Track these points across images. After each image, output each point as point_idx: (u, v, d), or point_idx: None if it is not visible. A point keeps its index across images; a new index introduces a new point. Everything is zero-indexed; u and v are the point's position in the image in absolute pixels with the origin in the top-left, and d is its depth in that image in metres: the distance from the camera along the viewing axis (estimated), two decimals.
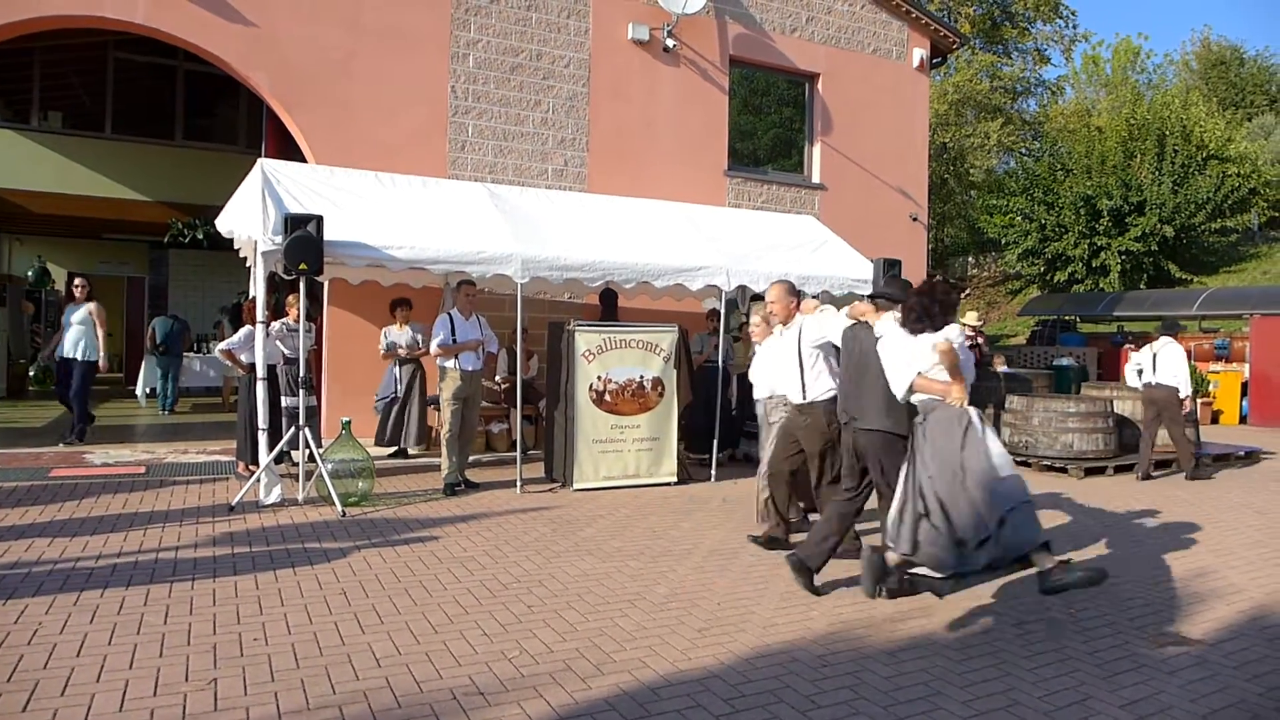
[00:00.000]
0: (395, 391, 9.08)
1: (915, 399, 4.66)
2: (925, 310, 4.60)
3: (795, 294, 6.12)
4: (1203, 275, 23.50)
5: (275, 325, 8.08)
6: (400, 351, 9.04)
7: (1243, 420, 15.82)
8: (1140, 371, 9.61)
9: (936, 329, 4.56)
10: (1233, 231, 23.78)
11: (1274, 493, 8.70)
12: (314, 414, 7.85)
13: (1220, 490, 8.80)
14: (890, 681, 3.78)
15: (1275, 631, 4.51)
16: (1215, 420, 15.73)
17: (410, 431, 9.14)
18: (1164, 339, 9.63)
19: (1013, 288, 27.32)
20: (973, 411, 4.47)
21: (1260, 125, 29.71)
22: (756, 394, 6.82)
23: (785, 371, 5.88)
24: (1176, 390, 9.33)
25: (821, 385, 5.64)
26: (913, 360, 4.60)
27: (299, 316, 7.43)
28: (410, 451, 9.28)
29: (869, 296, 5.37)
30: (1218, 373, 16.33)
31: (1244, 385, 16.00)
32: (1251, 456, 11.07)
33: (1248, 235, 25.58)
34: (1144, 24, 74.03)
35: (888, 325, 4.90)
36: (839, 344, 5.41)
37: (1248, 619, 4.71)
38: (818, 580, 5.04)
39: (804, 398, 5.69)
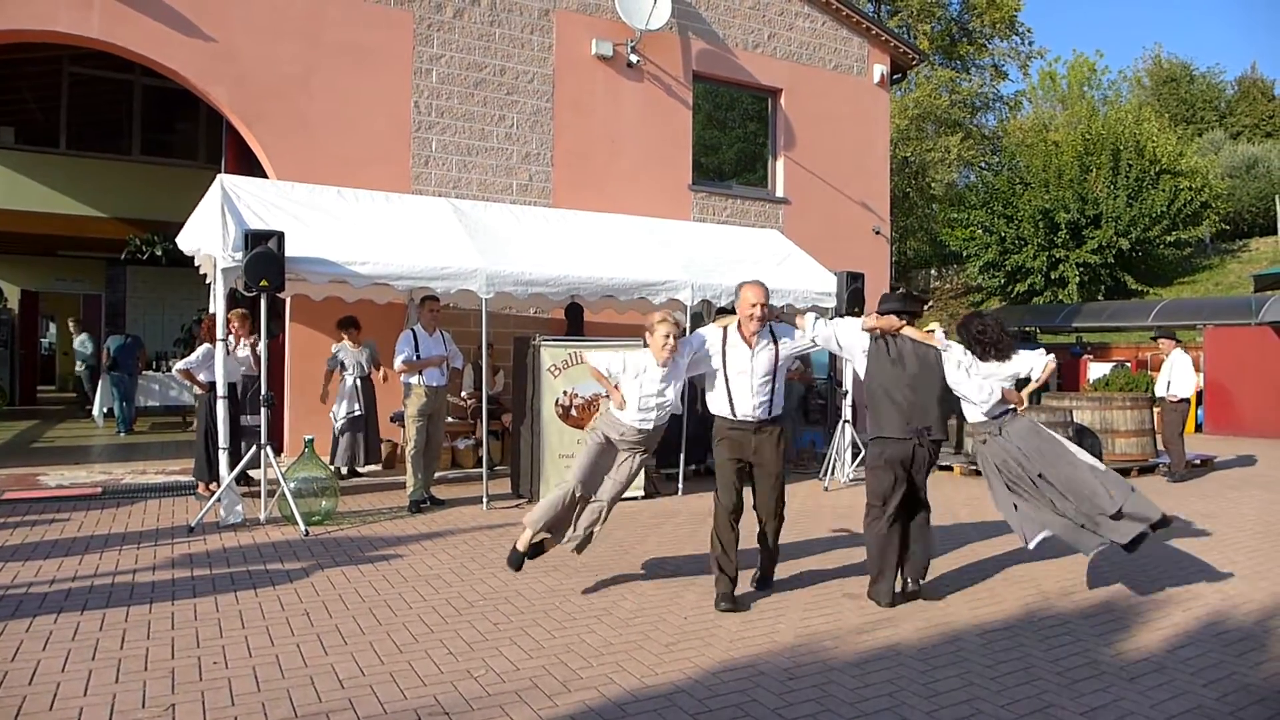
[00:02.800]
0: (358, 408, 8.95)
1: (975, 414, 5.27)
2: (995, 340, 5.19)
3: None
4: (1158, 287, 24.01)
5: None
6: (346, 375, 8.93)
7: (1198, 429, 16.15)
8: (1169, 383, 10.28)
9: (1003, 356, 5.19)
10: (1186, 244, 24.36)
11: (1229, 500, 8.88)
12: (253, 433, 7.72)
13: (1177, 498, 8.96)
14: (856, 693, 3.79)
15: (1232, 638, 4.60)
16: None
17: (362, 451, 9.02)
18: (1176, 350, 10.37)
19: (974, 300, 27.72)
20: (1038, 422, 5.37)
21: (1210, 140, 30.53)
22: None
23: (757, 385, 5.12)
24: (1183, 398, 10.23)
25: (784, 397, 5.31)
26: (991, 373, 5.19)
27: (240, 334, 7.30)
28: (360, 471, 9.18)
29: (892, 311, 5.22)
30: None
31: (1199, 394, 16.33)
32: (1206, 464, 11.29)
33: (1200, 247, 26.21)
34: (1097, 41, 75.82)
35: (949, 345, 5.21)
36: (845, 350, 5.33)
37: (1204, 625, 4.80)
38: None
39: (769, 413, 5.14)
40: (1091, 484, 5.01)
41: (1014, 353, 5.22)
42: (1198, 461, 11.21)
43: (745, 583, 5.33)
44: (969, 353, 5.22)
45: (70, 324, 8.96)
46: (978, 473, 9.65)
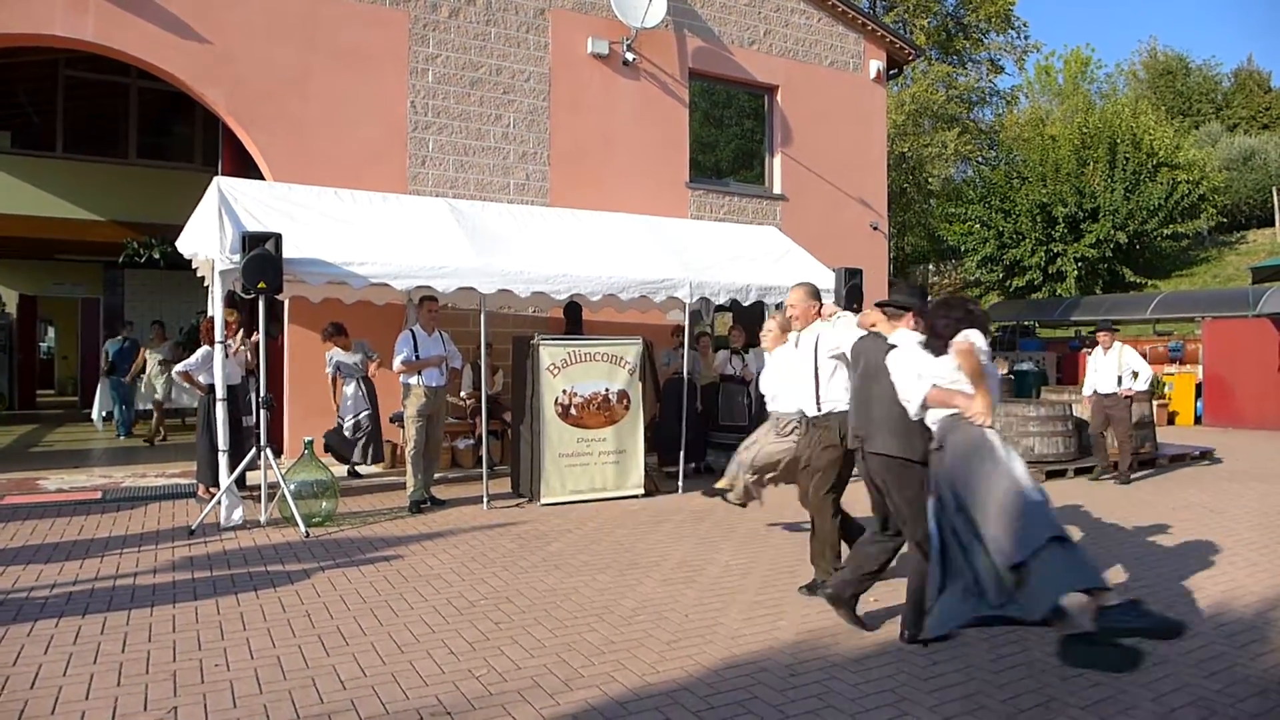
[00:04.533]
0: (366, 407, 9.00)
1: (931, 418, 4.15)
2: (954, 333, 3.99)
3: (817, 297, 5.48)
4: (1156, 279, 24.03)
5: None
6: (346, 380, 9.00)
7: (1197, 421, 16.17)
8: (1136, 374, 9.61)
9: (935, 350, 4.12)
10: (1184, 236, 24.36)
11: (1229, 492, 8.89)
12: (252, 434, 7.73)
13: (1177, 490, 8.97)
14: (858, 689, 3.80)
15: (1232, 629, 4.60)
16: (1171, 421, 16.07)
17: (372, 449, 9.06)
18: (1117, 342, 9.79)
19: (973, 295, 27.74)
20: (992, 435, 3.90)
21: (1207, 133, 30.52)
22: (771, 406, 6.29)
23: (800, 381, 5.34)
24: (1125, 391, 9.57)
25: (837, 396, 5.13)
26: (927, 370, 4.12)
27: (230, 334, 7.30)
28: (361, 471, 9.20)
29: (878, 304, 4.86)
30: (1172, 375, 16.69)
31: (1198, 387, 16.36)
32: (1206, 456, 11.31)
33: (1198, 240, 26.22)
34: (1092, 35, 75.79)
35: (902, 335, 4.47)
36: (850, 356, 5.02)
37: (1205, 617, 4.80)
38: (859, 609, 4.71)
39: (818, 409, 5.18)
40: (995, 531, 3.68)
41: (956, 337, 4.02)
42: (1196, 453, 11.22)
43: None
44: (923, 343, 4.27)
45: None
46: None
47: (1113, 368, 9.61)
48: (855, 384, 4.76)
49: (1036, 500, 3.65)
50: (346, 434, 8.95)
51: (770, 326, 6.42)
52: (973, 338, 3.93)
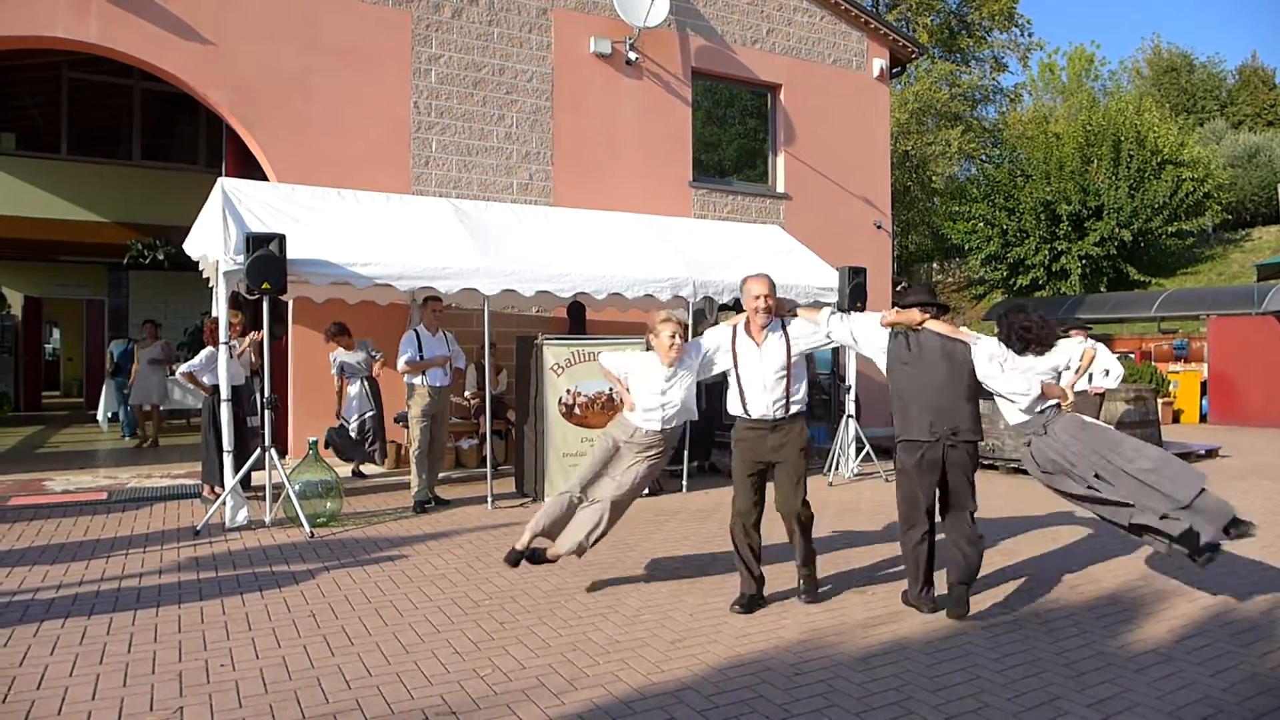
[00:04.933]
0: (371, 407, 8.99)
1: (1014, 413, 4.82)
2: (1039, 336, 4.71)
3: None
4: (1160, 277, 23.97)
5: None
6: (350, 379, 8.98)
7: (1203, 419, 16.13)
8: (1107, 372, 9.45)
9: (1043, 350, 4.74)
10: (1189, 234, 24.30)
11: (1234, 490, 8.85)
12: (256, 435, 7.74)
13: None
14: (862, 688, 3.79)
15: (1238, 627, 4.59)
16: (1176, 419, 16.03)
17: (378, 450, 9.08)
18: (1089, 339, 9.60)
19: (977, 293, 27.69)
20: (1088, 418, 4.86)
21: (1212, 130, 30.45)
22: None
23: (769, 383, 4.94)
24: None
25: (803, 395, 5.02)
26: (1035, 367, 4.75)
27: (233, 335, 7.30)
28: (365, 472, 9.21)
29: (919, 304, 4.86)
30: (1177, 373, 16.65)
31: (1203, 385, 16.32)
32: (1211, 454, 11.28)
33: (1203, 237, 26.16)
34: (1095, 32, 75.65)
35: (979, 338, 4.85)
36: (864, 347, 5.01)
37: (1211, 615, 4.79)
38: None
39: (788, 411, 4.94)
40: (1146, 488, 4.55)
41: (1055, 345, 4.80)
42: (1203, 451, 11.20)
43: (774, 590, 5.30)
44: (1004, 346, 4.77)
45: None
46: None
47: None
48: (926, 380, 4.79)
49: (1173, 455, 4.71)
50: (353, 435, 8.96)
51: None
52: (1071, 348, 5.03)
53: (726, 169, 13.33)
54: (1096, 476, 4.64)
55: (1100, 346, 9.52)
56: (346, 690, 3.75)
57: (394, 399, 9.18)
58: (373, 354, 9.13)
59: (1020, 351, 4.73)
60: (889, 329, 4.94)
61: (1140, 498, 4.55)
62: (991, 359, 4.77)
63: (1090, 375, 9.39)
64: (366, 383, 9.05)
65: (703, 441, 9.77)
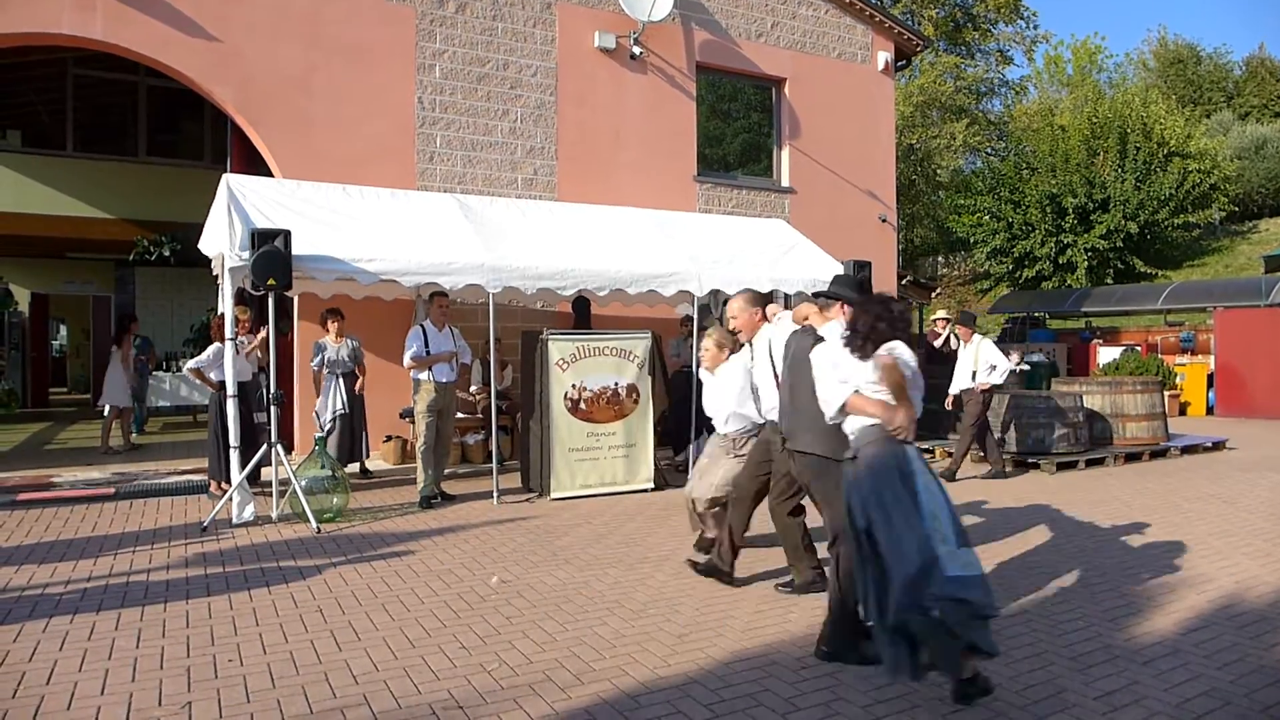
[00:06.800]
0: (342, 407, 8.56)
1: (850, 426, 3.83)
2: (871, 331, 3.72)
3: (759, 303, 5.29)
4: (1167, 269, 23.91)
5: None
6: (326, 372, 8.58)
7: (1209, 411, 16.08)
8: (993, 368, 9.09)
9: (862, 354, 3.76)
10: (1195, 226, 24.24)
11: (1240, 482, 8.84)
12: (263, 431, 7.73)
13: (1188, 480, 8.93)
14: (868, 681, 3.79)
15: (1245, 620, 4.58)
16: (1183, 412, 15.99)
17: (348, 451, 8.66)
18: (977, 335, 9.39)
19: (982, 286, 27.62)
20: (911, 454, 3.63)
21: (1219, 122, 30.32)
22: (723, 428, 5.77)
23: (764, 390, 5.11)
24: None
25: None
26: (851, 373, 3.78)
27: (242, 331, 7.27)
28: (371, 468, 9.17)
29: (814, 295, 4.71)
30: (1184, 365, 16.60)
31: (1210, 377, 16.27)
32: (1218, 447, 11.25)
33: (1209, 229, 26.08)
34: (1102, 24, 75.31)
35: (832, 329, 4.21)
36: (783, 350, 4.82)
37: (1218, 608, 4.78)
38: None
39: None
40: (901, 565, 3.44)
41: (880, 350, 3.70)
42: (1209, 444, 11.17)
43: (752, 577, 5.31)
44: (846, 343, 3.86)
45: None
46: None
47: (969, 363, 9.20)
48: (783, 379, 4.61)
49: (932, 556, 3.39)
50: (319, 432, 8.31)
51: (707, 345, 5.75)
52: (898, 352, 3.68)
53: (731, 163, 13.31)
54: (867, 534, 3.62)
55: (986, 342, 9.27)
56: (354, 685, 3.76)
57: (400, 395, 9.18)
58: (358, 359, 8.73)
59: (852, 352, 3.80)
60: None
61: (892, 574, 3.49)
62: (820, 354, 4.09)
63: (974, 373, 9.13)
64: (343, 379, 8.64)
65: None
